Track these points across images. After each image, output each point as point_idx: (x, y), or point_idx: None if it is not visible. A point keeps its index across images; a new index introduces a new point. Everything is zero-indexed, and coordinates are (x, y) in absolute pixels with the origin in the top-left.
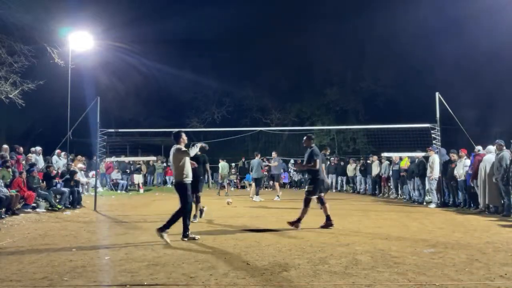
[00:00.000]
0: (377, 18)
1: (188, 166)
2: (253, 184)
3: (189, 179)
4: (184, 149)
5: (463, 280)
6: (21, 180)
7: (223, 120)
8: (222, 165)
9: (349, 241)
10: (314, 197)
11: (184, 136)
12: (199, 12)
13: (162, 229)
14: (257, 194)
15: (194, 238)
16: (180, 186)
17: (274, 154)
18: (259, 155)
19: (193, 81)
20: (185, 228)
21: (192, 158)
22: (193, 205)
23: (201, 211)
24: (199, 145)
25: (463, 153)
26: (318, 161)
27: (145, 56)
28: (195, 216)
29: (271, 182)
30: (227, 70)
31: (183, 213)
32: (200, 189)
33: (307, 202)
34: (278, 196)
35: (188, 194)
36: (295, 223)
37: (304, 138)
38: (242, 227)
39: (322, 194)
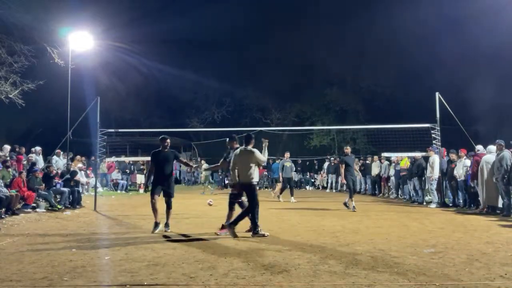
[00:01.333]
0: (377, 18)
1: (256, 169)
2: (279, 185)
3: (255, 180)
4: (261, 158)
5: (463, 280)
6: (20, 180)
7: (223, 120)
8: (206, 166)
9: (349, 241)
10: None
11: (253, 140)
12: (199, 12)
13: (230, 225)
14: (291, 194)
15: (263, 235)
16: (248, 187)
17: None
18: (288, 154)
19: (193, 81)
20: (255, 225)
21: (160, 156)
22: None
23: (167, 224)
24: (266, 143)
25: (462, 153)
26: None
27: (145, 56)
28: (167, 225)
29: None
30: (227, 70)
31: (251, 212)
32: (172, 193)
33: (231, 206)
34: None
35: (255, 194)
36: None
37: (227, 139)
38: (242, 227)
39: (244, 198)
